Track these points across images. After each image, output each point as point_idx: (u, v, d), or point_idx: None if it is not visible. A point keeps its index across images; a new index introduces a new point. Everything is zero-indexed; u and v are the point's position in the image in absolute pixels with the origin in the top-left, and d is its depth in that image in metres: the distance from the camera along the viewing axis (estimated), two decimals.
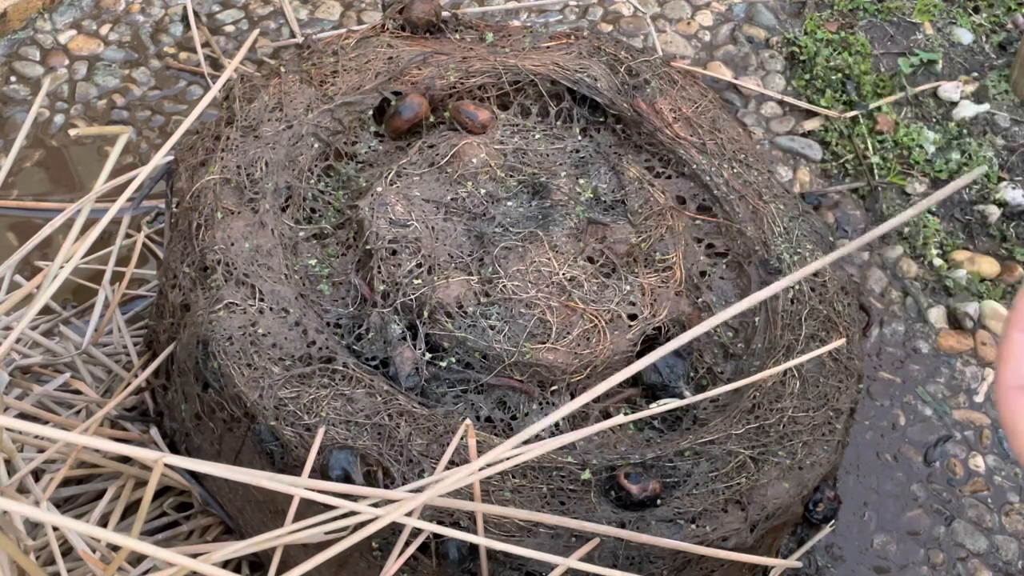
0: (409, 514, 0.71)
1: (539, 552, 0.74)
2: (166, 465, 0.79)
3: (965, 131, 1.37)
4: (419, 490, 0.72)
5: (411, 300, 0.83)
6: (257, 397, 0.78)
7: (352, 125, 0.97)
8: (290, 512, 0.73)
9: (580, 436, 0.78)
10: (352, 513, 0.69)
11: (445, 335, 0.82)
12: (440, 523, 0.73)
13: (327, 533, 0.71)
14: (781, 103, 1.41)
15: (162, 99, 1.38)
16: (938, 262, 1.25)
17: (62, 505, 0.94)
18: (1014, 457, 0.57)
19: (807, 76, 1.43)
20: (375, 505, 0.71)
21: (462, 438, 0.76)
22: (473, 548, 0.74)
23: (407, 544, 0.74)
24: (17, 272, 1.11)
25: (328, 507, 0.70)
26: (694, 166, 0.97)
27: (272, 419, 0.77)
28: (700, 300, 0.92)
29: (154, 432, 0.93)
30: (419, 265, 0.85)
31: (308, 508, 0.73)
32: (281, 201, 0.91)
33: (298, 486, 0.66)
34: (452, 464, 0.76)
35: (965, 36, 1.48)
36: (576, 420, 0.83)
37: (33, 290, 0.89)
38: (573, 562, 0.73)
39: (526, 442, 0.79)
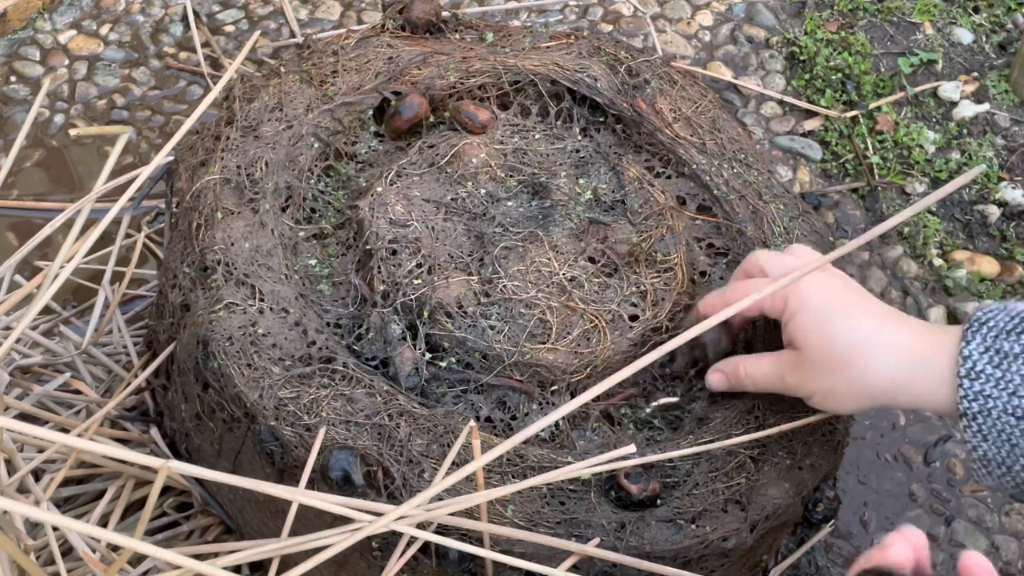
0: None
1: (542, 552, 0.74)
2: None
3: (965, 131, 1.37)
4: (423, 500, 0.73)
5: (411, 300, 0.83)
6: (257, 397, 0.78)
7: (352, 125, 0.97)
8: (289, 516, 0.73)
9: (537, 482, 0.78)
10: (357, 525, 0.69)
11: (445, 335, 0.82)
12: (443, 532, 0.73)
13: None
14: (781, 103, 1.41)
15: (162, 99, 1.38)
16: (938, 262, 1.25)
17: (62, 505, 0.94)
18: None
19: (807, 76, 1.43)
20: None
21: (467, 438, 0.76)
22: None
23: (408, 545, 0.74)
24: (17, 272, 1.11)
25: (331, 514, 0.70)
26: (694, 166, 0.97)
27: (272, 419, 0.77)
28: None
29: (154, 432, 0.93)
30: (419, 265, 0.85)
31: (308, 509, 0.73)
32: (281, 201, 0.91)
33: (309, 499, 0.67)
34: (455, 465, 0.76)
35: (965, 36, 1.48)
36: (576, 420, 0.83)
37: (33, 290, 0.89)
38: (581, 550, 0.73)
39: (525, 442, 0.79)
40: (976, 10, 1.52)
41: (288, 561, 0.72)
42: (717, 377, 0.82)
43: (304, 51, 1.03)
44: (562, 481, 0.78)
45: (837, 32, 1.47)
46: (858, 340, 0.71)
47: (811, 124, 1.39)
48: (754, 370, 0.79)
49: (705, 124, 1.01)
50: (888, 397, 0.71)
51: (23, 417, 0.93)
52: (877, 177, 1.32)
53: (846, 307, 0.73)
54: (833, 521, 1.01)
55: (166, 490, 0.95)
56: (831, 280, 0.76)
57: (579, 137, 0.98)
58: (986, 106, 1.39)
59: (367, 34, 1.05)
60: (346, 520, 0.70)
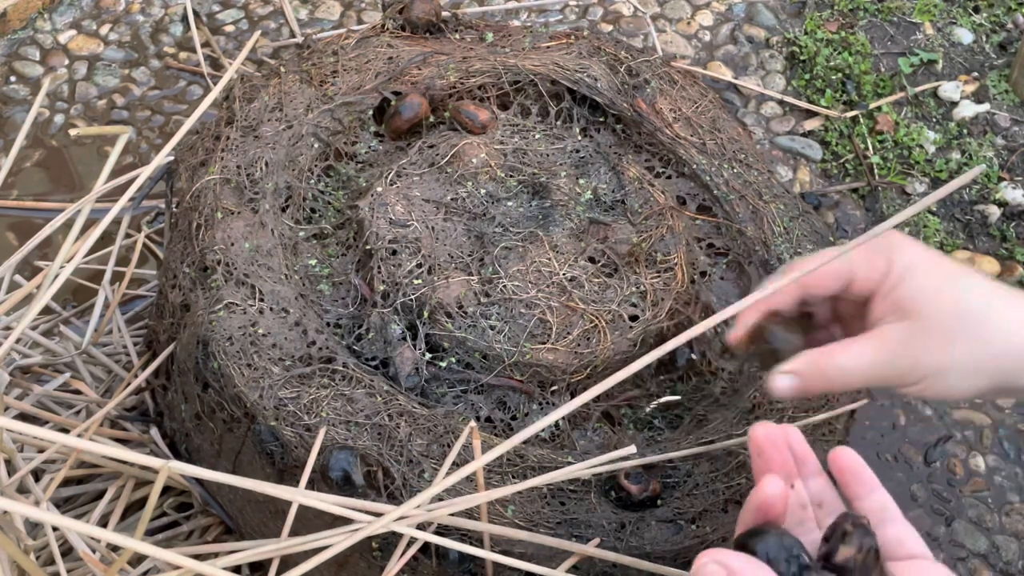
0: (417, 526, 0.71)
1: (542, 552, 0.74)
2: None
3: (965, 131, 1.37)
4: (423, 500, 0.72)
5: (411, 300, 0.83)
6: (257, 397, 0.78)
7: (352, 125, 0.97)
8: (289, 516, 0.73)
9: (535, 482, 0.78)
10: (357, 525, 0.69)
11: (445, 335, 0.82)
12: (442, 533, 0.73)
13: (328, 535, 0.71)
14: (781, 103, 1.41)
15: (162, 99, 1.38)
16: None
17: (62, 505, 0.94)
18: None
19: (807, 76, 1.43)
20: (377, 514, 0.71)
21: (467, 438, 0.76)
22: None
23: (408, 546, 0.74)
24: (17, 272, 1.11)
25: (331, 515, 0.70)
26: (694, 166, 0.97)
27: (272, 419, 0.77)
28: (700, 300, 0.92)
29: (154, 432, 0.93)
30: (419, 265, 0.85)
31: (308, 509, 0.73)
32: (281, 201, 0.91)
33: (309, 499, 0.67)
34: (455, 465, 0.76)
35: (965, 36, 1.48)
36: (577, 420, 0.83)
37: (33, 290, 0.89)
38: (582, 550, 0.73)
39: (525, 442, 0.79)
40: (976, 10, 1.52)
41: (288, 561, 0.72)
42: (786, 381, 0.63)
43: (304, 51, 1.02)
44: (562, 481, 0.78)
45: (837, 32, 1.47)
46: (990, 296, 0.60)
47: (811, 124, 1.39)
48: (847, 361, 0.61)
49: (705, 124, 1.01)
50: (1018, 369, 0.60)
51: (23, 417, 0.93)
52: (877, 177, 1.32)
53: (961, 267, 0.61)
54: None
55: (166, 490, 0.95)
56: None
57: (579, 137, 0.98)
58: (986, 106, 1.39)
59: (367, 34, 1.05)
60: (346, 520, 0.70)
